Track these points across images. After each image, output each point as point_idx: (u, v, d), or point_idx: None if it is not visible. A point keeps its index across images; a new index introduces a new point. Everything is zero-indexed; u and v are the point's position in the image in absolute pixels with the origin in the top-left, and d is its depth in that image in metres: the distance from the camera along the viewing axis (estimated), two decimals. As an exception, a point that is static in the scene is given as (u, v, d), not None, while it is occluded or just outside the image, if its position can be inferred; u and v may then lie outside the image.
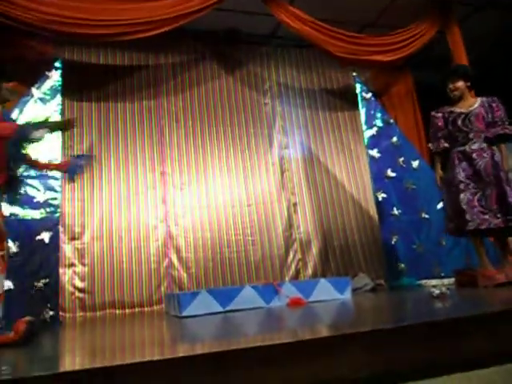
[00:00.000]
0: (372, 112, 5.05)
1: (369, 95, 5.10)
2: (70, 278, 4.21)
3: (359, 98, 5.07)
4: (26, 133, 2.36)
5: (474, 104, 3.53)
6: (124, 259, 4.40)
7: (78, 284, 4.22)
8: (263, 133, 5.24)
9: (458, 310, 1.99)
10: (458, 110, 3.55)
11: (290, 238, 4.97)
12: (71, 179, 2.65)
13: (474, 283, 3.29)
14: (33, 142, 2.42)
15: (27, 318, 2.21)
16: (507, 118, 3.47)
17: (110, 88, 4.84)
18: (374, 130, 4.97)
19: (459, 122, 3.50)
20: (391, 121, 5.12)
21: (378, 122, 5.01)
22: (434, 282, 4.05)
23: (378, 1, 5.07)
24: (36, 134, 2.36)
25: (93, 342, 2.07)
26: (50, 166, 3.18)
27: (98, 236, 4.39)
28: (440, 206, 4.69)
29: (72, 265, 4.26)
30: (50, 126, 2.42)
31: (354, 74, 5.23)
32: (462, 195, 3.32)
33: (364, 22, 5.31)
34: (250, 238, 4.82)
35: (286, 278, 4.70)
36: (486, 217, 3.25)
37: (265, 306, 3.18)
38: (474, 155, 3.39)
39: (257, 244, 4.81)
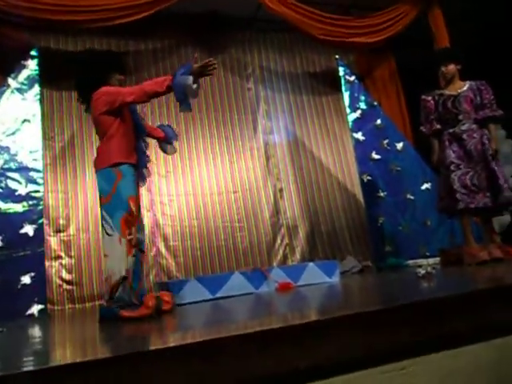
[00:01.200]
0: (356, 95, 5.04)
1: (352, 78, 5.09)
2: (57, 270, 4.17)
3: (342, 81, 5.06)
4: (183, 81, 2.28)
5: (463, 87, 3.58)
6: (111, 250, 4.37)
7: (66, 276, 4.19)
8: (247, 118, 5.20)
9: (443, 290, 2.03)
10: (447, 92, 3.60)
11: (277, 224, 4.99)
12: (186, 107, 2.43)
13: (460, 261, 3.37)
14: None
15: (155, 294, 2.32)
16: (495, 101, 3.52)
17: (90, 76, 4.73)
18: (358, 113, 4.98)
19: (449, 105, 3.55)
20: (375, 103, 5.13)
21: (362, 105, 5.02)
22: (419, 261, 4.12)
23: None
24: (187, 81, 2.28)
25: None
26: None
27: (83, 227, 4.35)
28: (424, 186, 4.76)
29: (58, 257, 4.21)
30: (194, 72, 2.33)
31: (337, 57, 5.20)
32: (452, 175, 3.38)
33: (348, 3, 5.26)
34: (237, 224, 4.82)
35: (274, 264, 4.73)
36: (476, 196, 3.31)
37: (254, 291, 3.20)
38: (464, 136, 3.46)
39: (244, 230, 4.82)
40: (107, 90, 2.41)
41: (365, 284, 3.24)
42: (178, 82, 2.29)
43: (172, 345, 1.22)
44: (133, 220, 2.34)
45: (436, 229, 4.64)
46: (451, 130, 3.53)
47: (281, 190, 5.11)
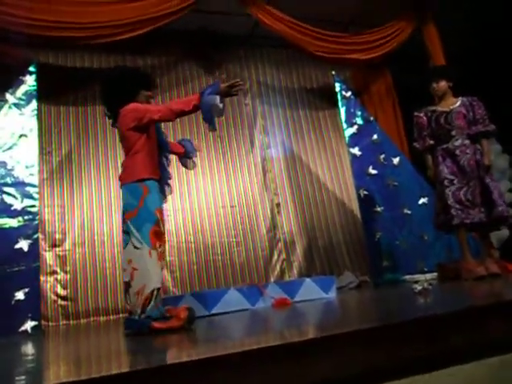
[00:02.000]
0: (352, 110, 5.08)
1: (348, 94, 5.13)
2: (52, 285, 4.14)
3: (339, 97, 5.10)
4: (211, 100, 2.32)
5: (456, 103, 3.62)
6: (107, 265, 4.35)
7: (61, 292, 4.15)
8: (244, 133, 5.23)
9: (439, 306, 2.01)
10: (439, 108, 3.63)
11: (274, 239, 4.97)
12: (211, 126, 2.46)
13: (457, 277, 3.35)
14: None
15: (186, 306, 2.34)
16: (487, 116, 3.56)
17: (88, 91, 4.76)
18: (354, 128, 5.01)
19: (442, 121, 3.57)
20: (371, 119, 5.16)
21: (359, 120, 5.05)
22: (417, 277, 4.10)
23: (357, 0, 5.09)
24: (215, 101, 2.31)
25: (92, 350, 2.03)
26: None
27: (79, 242, 4.33)
28: (421, 201, 4.76)
29: (54, 272, 4.18)
30: (221, 92, 2.35)
31: (333, 73, 5.26)
32: (447, 191, 3.39)
33: (346, 21, 5.33)
34: (233, 239, 4.80)
35: (271, 279, 4.70)
36: (471, 211, 3.32)
37: (250, 307, 3.18)
38: (457, 151, 3.47)
39: (241, 245, 4.81)
40: (136, 106, 2.44)
41: (361, 300, 3.21)
42: (206, 101, 2.32)
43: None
44: (161, 232, 2.38)
45: (433, 243, 4.63)
46: (444, 146, 3.55)
47: (278, 205, 5.12)
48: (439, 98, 3.67)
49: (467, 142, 3.51)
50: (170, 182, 2.69)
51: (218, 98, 2.32)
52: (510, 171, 6.03)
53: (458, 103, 3.61)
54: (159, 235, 2.35)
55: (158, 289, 2.27)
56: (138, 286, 2.26)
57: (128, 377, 1.13)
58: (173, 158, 2.86)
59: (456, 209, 3.32)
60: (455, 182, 3.41)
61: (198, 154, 2.95)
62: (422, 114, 3.69)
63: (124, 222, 2.38)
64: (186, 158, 2.88)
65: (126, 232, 2.35)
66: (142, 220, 2.32)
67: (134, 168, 2.40)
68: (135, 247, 2.30)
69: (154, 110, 2.42)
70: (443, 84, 3.64)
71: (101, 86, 2.64)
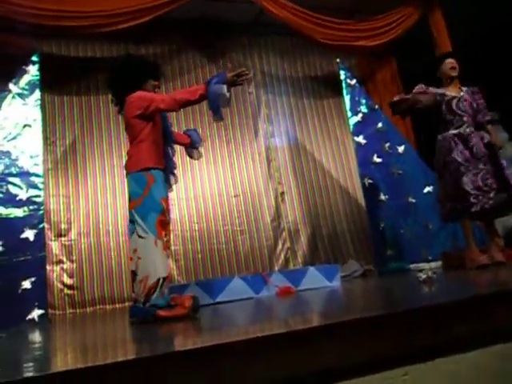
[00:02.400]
0: (357, 98, 5.04)
1: (353, 82, 5.08)
2: (59, 275, 4.17)
3: (344, 85, 5.05)
4: (218, 89, 2.31)
5: (462, 91, 3.55)
6: (112, 254, 4.38)
7: (67, 281, 4.19)
8: (248, 123, 5.21)
9: (443, 295, 2.01)
10: (449, 93, 3.54)
11: (279, 228, 4.98)
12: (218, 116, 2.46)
13: (462, 266, 3.34)
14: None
15: (191, 294, 2.34)
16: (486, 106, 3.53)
17: (91, 81, 4.75)
18: (359, 117, 4.97)
19: (453, 106, 3.48)
20: (376, 107, 5.12)
21: (363, 109, 5.01)
22: (421, 265, 4.10)
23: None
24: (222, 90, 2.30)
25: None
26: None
27: (84, 232, 4.35)
28: (426, 190, 4.74)
29: (60, 262, 4.22)
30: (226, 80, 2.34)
31: (338, 60, 5.20)
32: (464, 178, 3.26)
33: (353, 8, 5.25)
34: (238, 228, 4.81)
35: (276, 268, 4.72)
36: (490, 195, 3.25)
37: (254, 296, 3.19)
38: (470, 138, 3.41)
39: (245, 234, 4.82)
40: (142, 94, 2.44)
41: (365, 288, 3.22)
42: (213, 90, 2.30)
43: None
44: (167, 221, 2.39)
45: (438, 232, 4.62)
46: (456, 131, 3.45)
47: (282, 194, 5.11)
48: (450, 81, 3.56)
49: (473, 128, 3.47)
50: (175, 171, 2.70)
51: (225, 87, 2.30)
52: (517, 159, 5.98)
53: (464, 91, 3.56)
54: (165, 225, 2.36)
55: (164, 278, 2.28)
56: (143, 275, 2.27)
57: (132, 364, 1.14)
58: (177, 147, 2.85)
59: (476, 195, 3.24)
60: (471, 167, 3.34)
61: (203, 144, 2.95)
62: (431, 89, 3.58)
63: (129, 210, 2.39)
64: (191, 148, 2.87)
65: (131, 221, 2.36)
66: (147, 209, 2.32)
67: (139, 157, 2.40)
68: (140, 236, 2.31)
69: (159, 99, 2.41)
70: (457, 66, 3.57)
71: (109, 73, 2.63)
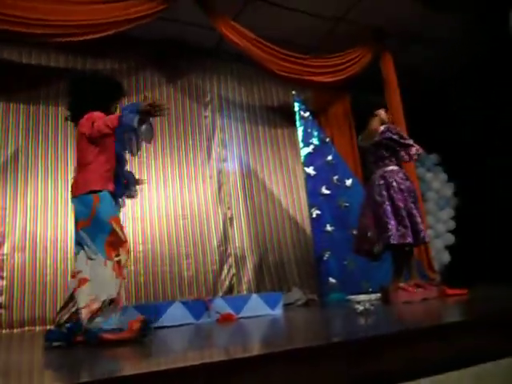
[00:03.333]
0: (309, 130, 5.19)
1: (307, 114, 5.24)
2: (-14, 291, 3.89)
3: (297, 116, 5.19)
4: (129, 121, 2.19)
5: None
6: (48, 271, 4.15)
7: (-5, 298, 3.91)
8: (202, 145, 5.21)
9: (377, 327, 2.06)
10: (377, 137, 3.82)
11: (225, 253, 4.94)
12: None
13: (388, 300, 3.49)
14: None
15: (141, 317, 2.24)
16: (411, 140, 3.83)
17: (42, 90, 4.60)
18: (310, 148, 5.11)
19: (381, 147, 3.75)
20: (327, 140, 5.29)
21: (315, 141, 5.16)
22: (361, 297, 4.18)
23: (322, 26, 5.23)
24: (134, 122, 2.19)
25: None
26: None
27: (19, 246, 4.11)
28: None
29: (-12, 277, 3.94)
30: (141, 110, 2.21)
31: (294, 92, 5.35)
32: (384, 212, 3.52)
33: (310, 45, 5.45)
34: (183, 251, 4.73)
35: (220, 293, 4.65)
36: (406, 232, 3.46)
37: (194, 322, 3.12)
38: (392, 176, 3.64)
39: (191, 258, 4.73)
40: (91, 116, 2.36)
41: (304, 318, 3.23)
42: (125, 122, 2.21)
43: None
44: (118, 241, 2.29)
45: (380, 265, 4.75)
46: (380, 171, 3.70)
47: (231, 219, 5.10)
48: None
49: (397, 168, 3.71)
50: (123, 197, 2.64)
51: (136, 117, 2.18)
52: (454, 200, 6.33)
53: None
54: (116, 245, 2.27)
55: (112, 299, 2.20)
56: (89, 297, 2.18)
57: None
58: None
59: (396, 229, 3.46)
60: (388, 204, 3.56)
61: (144, 181, 2.92)
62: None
63: (76, 231, 2.31)
64: (127, 189, 2.76)
65: (78, 242, 2.29)
66: (95, 229, 2.25)
67: (86, 180, 2.33)
68: (90, 258, 2.24)
69: (101, 124, 2.30)
70: None
71: (72, 87, 2.53)
